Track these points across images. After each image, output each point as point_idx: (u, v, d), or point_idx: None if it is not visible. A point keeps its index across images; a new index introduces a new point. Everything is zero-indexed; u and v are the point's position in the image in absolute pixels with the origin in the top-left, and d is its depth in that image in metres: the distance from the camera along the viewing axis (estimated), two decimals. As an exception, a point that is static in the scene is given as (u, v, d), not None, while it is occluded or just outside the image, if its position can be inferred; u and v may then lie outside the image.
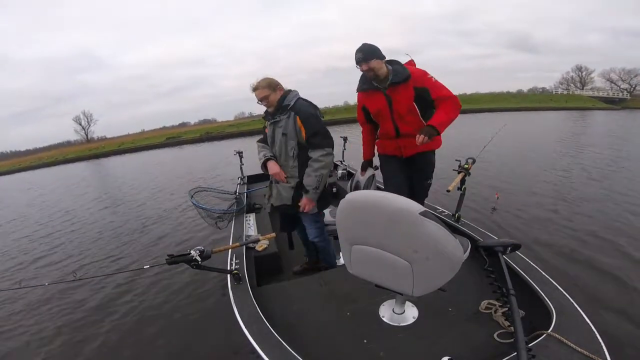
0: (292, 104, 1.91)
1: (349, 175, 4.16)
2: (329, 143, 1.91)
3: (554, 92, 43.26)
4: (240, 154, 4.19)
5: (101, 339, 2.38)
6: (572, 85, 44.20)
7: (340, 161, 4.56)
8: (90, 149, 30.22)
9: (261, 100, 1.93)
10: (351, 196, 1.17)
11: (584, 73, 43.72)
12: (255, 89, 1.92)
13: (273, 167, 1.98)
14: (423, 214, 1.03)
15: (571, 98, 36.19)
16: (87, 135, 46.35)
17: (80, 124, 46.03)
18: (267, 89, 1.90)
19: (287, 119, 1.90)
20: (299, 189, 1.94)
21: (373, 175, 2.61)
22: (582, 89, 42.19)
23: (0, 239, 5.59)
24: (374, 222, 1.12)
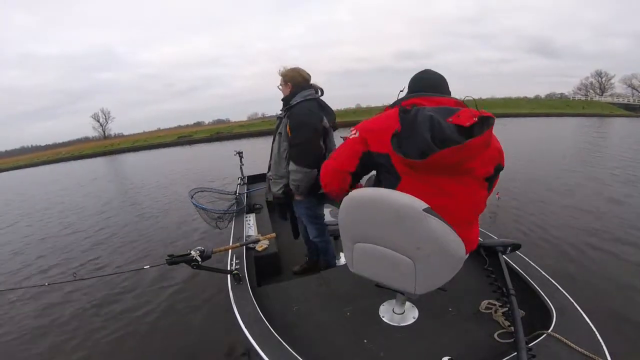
0: (294, 104, 1.85)
1: None
2: (304, 161, 1.78)
3: (571, 98, 41.80)
4: (240, 154, 4.18)
5: (100, 339, 2.38)
6: (591, 91, 42.60)
7: None
8: (106, 146, 31.24)
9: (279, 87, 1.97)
10: (354, 193, 1.16)
11: (603, 79, 42.25)
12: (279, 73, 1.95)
13: None
14: (427, 210, 1.02)
15: (589, 104, 34.95)
16: (104, 132, 47.56)
17: (98, 121, 47.52)
18: (282, 79, 1.91)
19: (284, 119, 1.90)
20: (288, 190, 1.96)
21: (373, 176, 2.61)
22: (602, 95, 40.67)
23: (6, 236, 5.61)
24: (376, 219, 1.11)
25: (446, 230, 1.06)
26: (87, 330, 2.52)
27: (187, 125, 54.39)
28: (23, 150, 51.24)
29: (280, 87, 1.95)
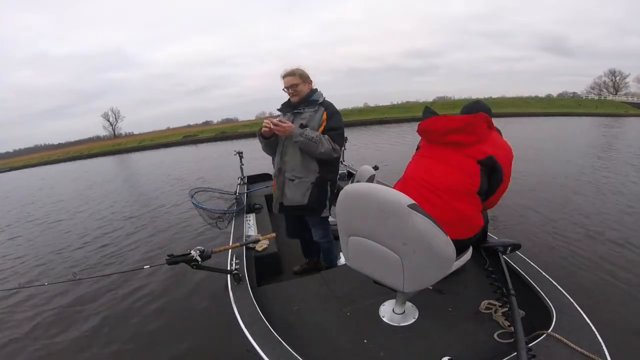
0: (321, 100, 1.94)
1: (349, 175, 4.15)
2: (338, 142, 1.90)
3: (584, 97, 40.58)
4: (240, 154, 4.18)
5: (99, 339, 2.38)
6: (604, 90, 41.42)
7: (341, 161, 4.55)
8: (114, 145, 32.03)
9: (289, 87, 1.91)
10: (348, 188, 1.22)
11: (617, 78, 41.23)
12: (287, 74, 1.91)
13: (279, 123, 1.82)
14: (412, 207, 1.05)
15: (602, 103, 33.71)
16: (114, 131, 48.33)
17: (109, 120, 48.40)
18: (299, 78, 1.91)
19: (314, 112, 1.91)
20: (316, 188, 1.93)
21: (373, 176, 2.62)
22: (616, 94, 39.58)
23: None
24: (366, 213, 1.15)
25: (433, 228, 1.08)
26: (85, 330, 2.51)
27: (196, 125, 55.14)
28: (37, 149, 52.90)
29: (298, 85, 1.91)
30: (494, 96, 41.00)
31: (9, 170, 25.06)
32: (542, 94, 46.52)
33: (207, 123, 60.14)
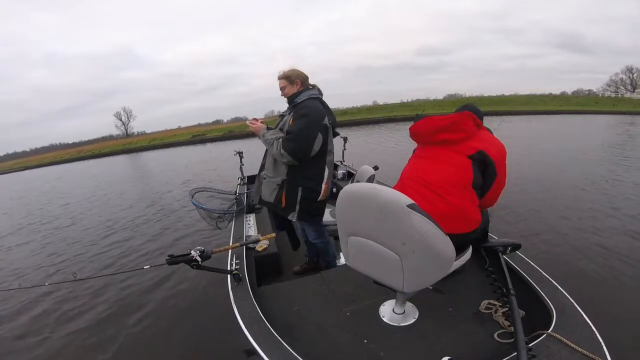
0: (301, 101, 1.88)
1: (349, 175, 4.16)
2: (290, 147, 1.78)
3: (600, 95, 38.97)
4: (240, 154, 4.18)
5: (99, 340, 2.38)
6: (621, 87, 39.94)
7: (340, 161, 4.56)
8: (125, 144, 32.49)
9: (280, 89, 1.96)
10: (347, 188, 1.22)
11: (635, 75, 39.66)
12: (278, 77, 1.96)
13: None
14: (411, 207, 1.05)
15: (619, 101, 32.16)
16: (126, 131, 48.28)
17: (121, 120, 48.34)
18: (285, 80, 1.91)
19: (289, 115, 1.90)
20: (282, 189, 1.93)
21: (373, 176, 2.62)
22: (633, 91, 38.21)
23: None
24: (366, 213, 1.15)
25: (432, 227, 1.08)
26: (85, 330, 2.51)
27: (207, 123, 54.95)
28: (52, 148, 53.08)
29: (285, 88, 1.93)
30: (506, 94, 40.10)
31: (24, 170, 25.86)
32: (556, 91, 44.24)
33: (217, 122, 59.91)
